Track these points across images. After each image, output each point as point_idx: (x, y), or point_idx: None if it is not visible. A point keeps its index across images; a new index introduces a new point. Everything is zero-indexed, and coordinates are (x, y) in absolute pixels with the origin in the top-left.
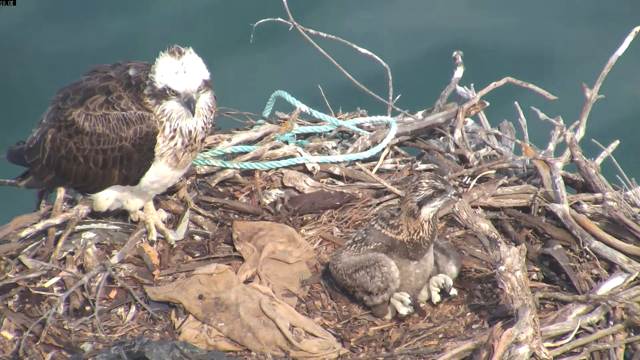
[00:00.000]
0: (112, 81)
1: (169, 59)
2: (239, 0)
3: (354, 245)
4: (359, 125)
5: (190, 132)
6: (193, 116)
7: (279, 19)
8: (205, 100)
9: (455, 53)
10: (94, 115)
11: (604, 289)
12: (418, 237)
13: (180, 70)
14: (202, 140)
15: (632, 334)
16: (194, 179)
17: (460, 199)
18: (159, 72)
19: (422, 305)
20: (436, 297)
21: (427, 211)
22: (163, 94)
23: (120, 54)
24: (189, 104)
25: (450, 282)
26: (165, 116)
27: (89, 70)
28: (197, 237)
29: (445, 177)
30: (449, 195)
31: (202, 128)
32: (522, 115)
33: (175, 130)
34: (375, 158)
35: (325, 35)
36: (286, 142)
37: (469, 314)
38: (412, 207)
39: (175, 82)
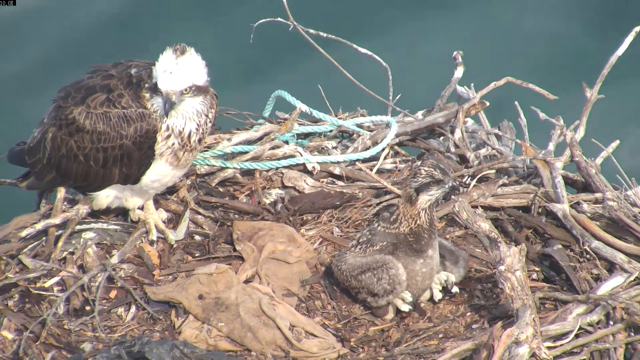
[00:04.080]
0: (113, 79)
1: (169, 55)
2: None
3: (359, 247)
4: (359, 125)
5: (180, 132)
6: (166, 117)
7: (279, 19)
8: (192, 105)
9: (455, 53)
10: (94, 113)
11: (604, 288)
12: (416, 225)
13: (169, 70)
14: (200, 140)
15: (632, 334)
16: (194, 178)
17: (457, 192)
18: (156, 66)
19: (422, 305)
20: (438, 295)
21: (424, 198)
22: (155, 89)
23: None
24: (165, 104)
25: (453, 278)
26: (154, 112)
27: (91, 69)
28: (197, 237)
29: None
30: (446, 186)
31: (196, 129)
32: (522, 115)
33: (169, 128)
34: (375, 158)
35: (325, 35)
36: (286, 142)
37: (469, 313)
38: (410, 192)
39: (161, 80)
